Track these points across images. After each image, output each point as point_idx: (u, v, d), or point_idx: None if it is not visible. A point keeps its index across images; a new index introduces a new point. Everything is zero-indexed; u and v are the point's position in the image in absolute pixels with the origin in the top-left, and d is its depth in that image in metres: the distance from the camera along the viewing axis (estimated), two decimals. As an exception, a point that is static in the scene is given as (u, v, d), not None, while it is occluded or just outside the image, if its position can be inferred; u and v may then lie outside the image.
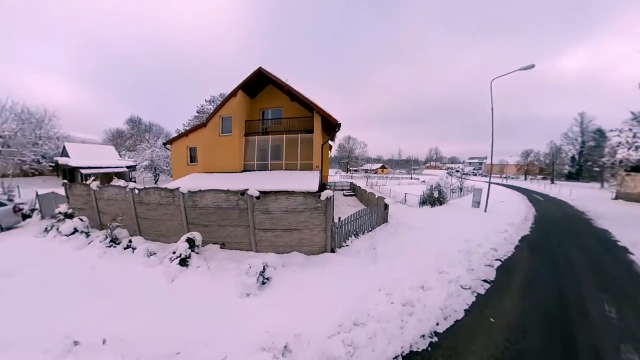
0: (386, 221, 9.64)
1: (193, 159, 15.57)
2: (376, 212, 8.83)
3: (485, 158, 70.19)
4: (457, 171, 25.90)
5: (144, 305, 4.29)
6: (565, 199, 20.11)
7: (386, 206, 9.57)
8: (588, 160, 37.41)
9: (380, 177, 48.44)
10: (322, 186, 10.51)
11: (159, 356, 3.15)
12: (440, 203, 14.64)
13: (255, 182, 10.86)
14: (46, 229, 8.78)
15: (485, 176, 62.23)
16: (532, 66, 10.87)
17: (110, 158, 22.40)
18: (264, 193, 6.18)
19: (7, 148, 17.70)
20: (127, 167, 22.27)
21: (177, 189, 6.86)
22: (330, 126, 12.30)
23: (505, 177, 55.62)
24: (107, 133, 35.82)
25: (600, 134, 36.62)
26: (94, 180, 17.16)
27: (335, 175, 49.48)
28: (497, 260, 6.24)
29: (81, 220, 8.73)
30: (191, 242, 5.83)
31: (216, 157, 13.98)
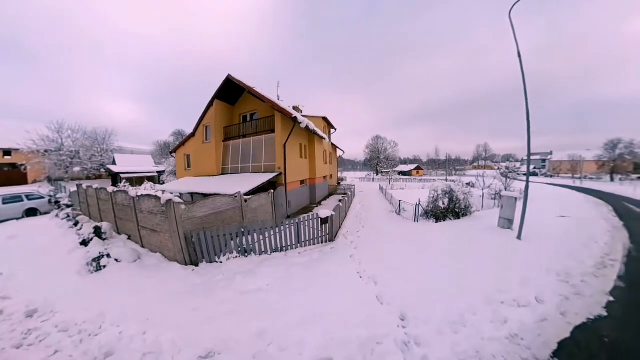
0: (331, 239, 7.50)
1: (189, 165, 17.51)
2: (292, 227, 6.62)
3: (550, 153, 56.55)
4: (507, 169, 19.28)
5: (40, 263, 5.98)
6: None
7: (324, 220, 7.18)
8: None
9: (408, 180, 44.70)
10: (271, 187, 10.46)
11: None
12: (456, 215, 9.95)
13: (211, 184, 11.56)
14: (56, 215, 11.44)
15: (551, 176, 50.35)
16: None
17: (146, 165, 27.62)
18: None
19: (78, 160, 23.65)
20: (158, 172, 26.88)
21: (106, 188, 8.10)
22: (318, 124, 12.19)
23: (580, 178, 43.97)
24: (156, 144, 43.84)
25: None
26: (126, 182, 20.98)
27: (356, 179, 47.90)
28: None
29: (74, 210, 11.19)
30: (97, 230, 6.89)
31: (201, 162, 15.39)
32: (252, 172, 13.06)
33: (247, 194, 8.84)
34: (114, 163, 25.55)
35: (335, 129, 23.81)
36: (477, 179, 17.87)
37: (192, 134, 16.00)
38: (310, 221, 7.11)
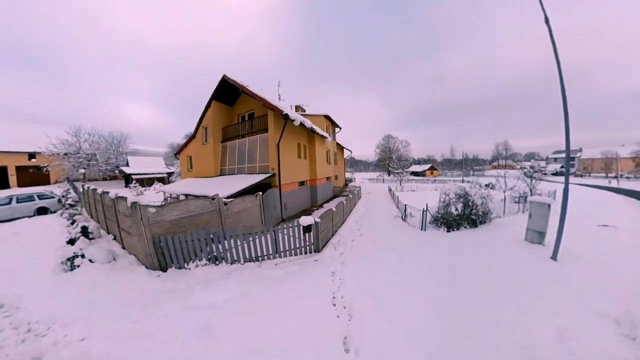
0: (317, 250, 6.69)
1: (191, 166, 17.74)
2: (268, 235, 6.01)
3: (580, 150, 51.70)
4: (532, 168, 16.50)
5: (27, 259, 6.33)
6: None
7: (306, 228, 6.42)
8: None
9: (420, 181, 42.97)
10: (264, 189, 10.12)
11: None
12: (473, 223, 8.64)
13: (203, 185, 11.42)
14: (61, 214, 11.94)
15: (581, 175, 45.94)
16: None
17: (157, 167, 28.73)
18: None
19: (94, 162, 25.05)
20: (167, 173, 27.85)
21: (96, 189, 8.21)
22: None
23: (616, 177, 39.66)
24: (169, 147, 45.76)
25: None
26: (136, 182, 21.67)
27: (366, 179, 46.81)
28: None
29: (76, 209, 11.60)
30: (84, 229, 7.02)
31: (201, 163, 15.47)
32: (247, 173, 12.84)
33: (233, 196, 8.55)
34: (127, 165, 26.82)
35: (340, 128, 23.15)
36: (497, 179, 16.15)
37: (193, 136, 16.16)
38: (290, 229, 6.37)
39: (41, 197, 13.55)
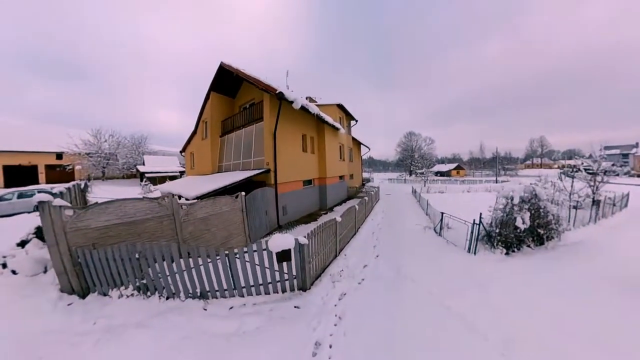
0: (303, 287, 4.21)
1: (194, 163, 16.92)
2: (218, 263, 3.80)
3: (635, 146, 42.30)
4: (585, 170, 12.34)
5: None
6: None
7: (282, 256, 3.86)
8: None
9: (448, 181, 38.84)
10: (258, 187, 8.50)
11: None
12: (539, 240, 6.20)
13: (187, 184, 10.24)
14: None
15: (638, 175, 37.28)
16: None
17: (170, 165, 29.12)
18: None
19: (115, 161, 25.94)
20: (180, 172, 27.95)
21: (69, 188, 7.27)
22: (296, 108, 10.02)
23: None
24: None
25: None
26: (147, 181, 21.56)
27: (386, 179, 43.68)
28: None
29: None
30: (39, 230, 6.03)
31: (200, 160, 14.35)
32: (243, 169, 11.34)
33: (205, 196, 7.00)
34: (142, 164, 27.48)
35: (356, 120, 20.88)
36: (562, 177, 12.60)
37: (194, 132, 15.22)
38: (256, 254, 3.91)
39: (41, 193, 13.51)
